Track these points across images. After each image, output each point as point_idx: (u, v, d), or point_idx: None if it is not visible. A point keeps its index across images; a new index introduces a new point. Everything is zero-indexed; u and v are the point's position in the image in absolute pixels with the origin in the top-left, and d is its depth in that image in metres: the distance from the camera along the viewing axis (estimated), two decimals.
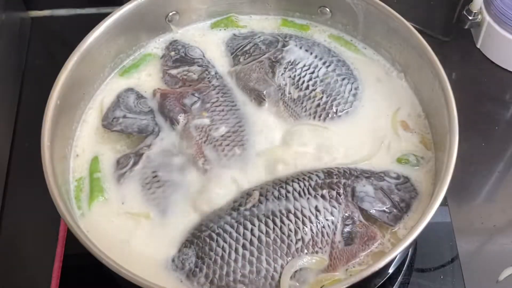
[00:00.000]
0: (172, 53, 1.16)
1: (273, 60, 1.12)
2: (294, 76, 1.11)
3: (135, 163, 1.02)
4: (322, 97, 1.09)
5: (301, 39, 1.16)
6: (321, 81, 1.10)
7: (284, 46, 1.14)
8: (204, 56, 1.16)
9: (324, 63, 1.12)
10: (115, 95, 1.11)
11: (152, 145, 1.04)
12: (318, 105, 1.08)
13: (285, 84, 1.10)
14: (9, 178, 1.21)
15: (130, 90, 1.11)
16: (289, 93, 1.10)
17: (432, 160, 1.03)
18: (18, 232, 1.16)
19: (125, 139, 1.07)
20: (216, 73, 1.13)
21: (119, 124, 1.06)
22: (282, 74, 1.11)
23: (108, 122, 1.06)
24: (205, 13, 1.20)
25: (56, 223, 1.12)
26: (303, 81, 1.10)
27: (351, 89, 1.10)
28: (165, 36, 1.19)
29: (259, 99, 1.10)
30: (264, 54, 1.14)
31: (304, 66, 1.12)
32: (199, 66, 1.14)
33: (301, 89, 1.09)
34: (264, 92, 1.10)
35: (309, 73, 1.11)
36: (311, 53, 1.13)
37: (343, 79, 1.11)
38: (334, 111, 1.08)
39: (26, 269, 1.13)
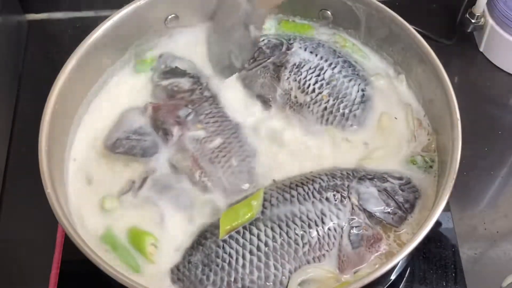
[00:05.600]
0: (162, 66, 1.14)
1: (278, 64, 1.11)
2: (300, 79, 1.09)
3: (139, 187, 1.00)
4: (329, 100, 1.07)
5: (305, 41, 1.15)
6: (327, 83, 1.08)
7: (288, 49, 1.12)
8: (195, 68, 1.14)
9: (329, 65, 1.10)
10: (119, 115, 1.08)
11: (156, 168, 1.02)
12: (325, 108, 1.07)
13: (291, 88, 1.09)
14: (6, 183, 1.19)
15: (133, 110, 1.09)
16: (295, 97, 1.08)
17: (436, 163, 1.02)
18: (14, 237, 1.15)
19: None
20: (207, 83, 1.12)
21: (122, 146, 1.03)
22: (288, 78, 1.09)
23: (111, 143, 1.04)
24: (205, 17, 1.18)
25: (53, 228, 1.11)
26: (309, 85, 1.08)
27: (358, 90, 1.09)
28: (165, 40, 1.17)
29: (265, 104, 1.09)
30: (269, 59, 1.12)
31: (310, 68, 1.10)
32: (190, 77, 1.12)
33: (307, 93, 1.08)
34: (270, 97, 1.09)
35: (315, 76, 1.09)
36: (316, 55, 1.11)
37: (350, 80, 1.09)
38: (342, 113, 1.07)
39: (23, 276, 1.12)
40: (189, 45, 1.18)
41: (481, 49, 1.36)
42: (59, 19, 1.45)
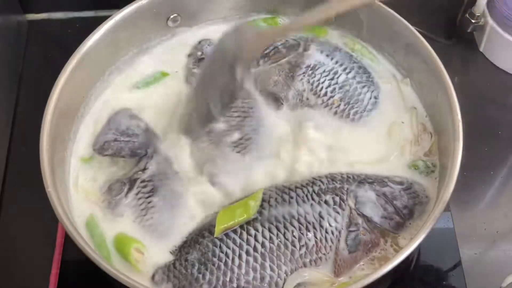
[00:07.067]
0: (198, 53, 1.14)
1: (293, 64, 1.10)
2: (313, 82, 1.09)
3: (129, 189, 0.99)
4: (339, 105, 1.07)
5: (323, 44, 1.14)
6: (340, 88, 1.08)
7: (305, 50, 1.12)
8: None
9: (344, 70, 1.10)
10: (107, 117, 1.07)
11: (146, 169, 1.01)
12: (335, 112, 1.07)
13: (303, 90, 1.08)
14: (6, 182, 1.19)
15: (121, 111, 1.08)
16: (307, 99, 1.08)
17: (438, 167, 1.02)
18: (14, 237, 1.15)
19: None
20: None
21: (110, 148, 1.02)
22: (301, 79, 1.09)
23: (99, 146, 1.03)
24: (206, 17, 1.19)
25: (53, 228, 1.11)
26: (322, 88, 1.08)
27: (371, 97, 1.09)
28: (167, 40, 1.18)
29: (276, 102, 1.08)
30: (284, 58, 1.12)
31: (324, 72, 1.09)
32: None
33: (319, 96, 1.08)
34: (282, 95, 1.08)
35: (328, 80, 1.09)
36: (332, 59, 1.11)
37: (363, 86, 1.09)
38: (352, 119, 1.07)
39: (22, 275, 1.11)
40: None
41: (481, 49, 1.35)
42: (60, 19, 1.45)
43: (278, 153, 1.04)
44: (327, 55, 1.12)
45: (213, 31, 1.19)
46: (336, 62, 1.11)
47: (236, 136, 1.03)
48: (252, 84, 1.11)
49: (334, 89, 1.08)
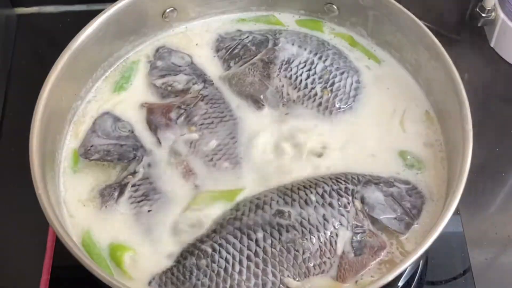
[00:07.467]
0: (158, 62, 1.12)
1: (266, 61, 1.09)
2: (291, 75, 1.08)
3: (120, 194, 0.97)
4: (323, 95, 1.05)
5: (292, 34, 1.13)
6: (320, 78, 1.07)
7: (275, 44, 1.11)
8: (192, 63, 1.12)
9: (320, 58, 1.09)
10: (92, 120, 1.06)
11: (136, 172, 0.99)
12: (320, 103, 1.06)
13: (282, 86, 1.07)
14: None
15: (106, 114, 1.06)
16: (288, 94, 1.07)
17: (439, 162, 1.01)
18: (3, 242, 1.13)
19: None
20: (204, 81, 1.09)
21: (97, 153, 1.01)
22: (278, 75, 1.08)
23: (85, 150, 1.01)
24: (203, 11, 1.17)
25: (44, 232, 1.09)
26: (301, 80, 1.07)
27: (352, 83, 1.08)
28: (162, 34, 1.16)
29: (257, 104, 1.06)
30: (256, 56, 1.10)
31: (300, 63, 1.09)
32: (185, 74, 1.10)
33: (299, 89, 1.07)
34: (261, 96, 1.06)
35: (306, 71, 1.08)
36: (305, 49, 1.10)
37: (342, 73, 1.08)
38: (337, 107, 1.05)
39: (12, 281, 1.10)
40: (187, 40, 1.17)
41: (491, 45, 1.34)
42: (50, 13, 1.44)
43: (264, 155, 1.02)
44: (300, 46, 1.11)
45: (212, 25, 1.18)
46: (310, 52, 1.11)
47: (213, 143, 1.02)
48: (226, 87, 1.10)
49: (314, 80, 1.08)
